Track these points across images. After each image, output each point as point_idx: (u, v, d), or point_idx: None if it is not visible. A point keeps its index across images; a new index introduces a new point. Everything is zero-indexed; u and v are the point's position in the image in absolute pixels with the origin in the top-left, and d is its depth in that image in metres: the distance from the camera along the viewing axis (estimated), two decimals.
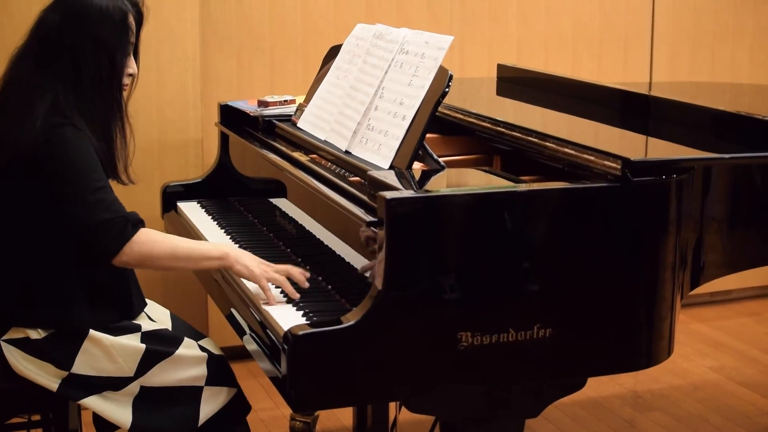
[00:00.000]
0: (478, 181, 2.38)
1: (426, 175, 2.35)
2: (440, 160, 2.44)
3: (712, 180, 2.44)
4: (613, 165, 2.23)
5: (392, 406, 2.95)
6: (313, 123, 2.85)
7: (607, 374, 2.33)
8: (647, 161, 2.27)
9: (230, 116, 3.39)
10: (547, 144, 2.48)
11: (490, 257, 2.10)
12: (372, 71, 2.64)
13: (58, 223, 2.32)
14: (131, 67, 2.47)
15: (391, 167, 2.39)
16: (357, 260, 2.37)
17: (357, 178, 2.44)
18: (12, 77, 2.43)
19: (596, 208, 2.20)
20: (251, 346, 2.33)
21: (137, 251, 2.28)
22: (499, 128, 2.69)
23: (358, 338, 2.01)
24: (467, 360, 2.08)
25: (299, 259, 2.66)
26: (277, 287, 2.38)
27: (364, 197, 2.26)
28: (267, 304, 2.32)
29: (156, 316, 2.58)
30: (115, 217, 2.27)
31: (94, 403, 2.40)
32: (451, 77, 2.39)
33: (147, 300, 2.58)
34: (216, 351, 2.56)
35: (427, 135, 2.41)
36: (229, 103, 3.43)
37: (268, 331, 2.24)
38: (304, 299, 2.34)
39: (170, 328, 2.55)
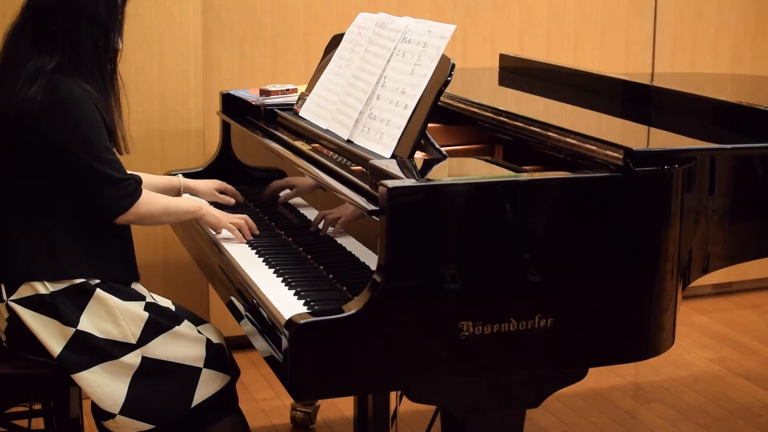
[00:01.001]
0: (479, 170, 2.38)
1: (428, 165, 2.35)
2: (442, 149, 2.43)
3: (714, 170, 2.44)
4: (615, 155, 2.22)
5: (393, 395, 2.95)
6: (315, 112, 2.84)
7: (609, 365, 2.33)
8: (649, 151, 2.27)
9: (232, 105, 3.39)
10: (549, 134, 2.47)
11: (491, 247, 2.10)
12: (374, 60, 2.63)
13: (65, 176, 2.43)
14: (119, 44, 2.55)
15: (393, 156, 2.39)
16: (358, 249, 2.37)
17: (359, 167, 2.43)
18: (9, 58, 2.50)
19: (598, 198, 2.20)
20: (248, 327, 2.34)
21: (141, 210, 2.49)
22: (501, 118, 2.69)
23: (359, 327, 2.01)
24: (468, 349, 2.08)
25: (301, 248, 2.66)
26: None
27: (366, 186, 2.26)
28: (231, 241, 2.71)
29: (158, 298, 2.61)
30: (128, 178, 2.46)
31: (91, 378, 2.42)
32: (453, 66, 2.39)
33: (150, 292, 2.62)
34: (216, 338, 2.59)
35: (429, 124, 2.40)
36: (231, 92, 3.43)
37: (263, 312, 2.25)
38: (305, 288, 2.34)
39: (173, 309, 2.59)
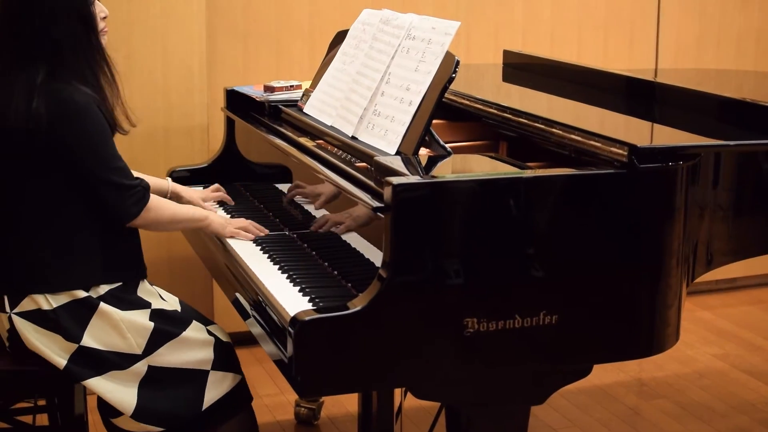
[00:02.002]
0: (484, 167, 2.38)
1: (432, 161, 2.35)
2: (447, 146, 2.43)
3: (719, 166, 2.44)
4: (620, 151, 2.22)
5: (398, 392, 2.95)
6: (320, 108, 2.84)
7: (614, 361, 2.33)
8: (654, 148, 2.27)
9: (236, 101, 3.39)
10: (554, 130, 2.47)
11: (496, 243, 2.10)
12: (378, 57, 2.63)
13: (72, 182, 2.41)
14: (102, 11, 2.52)
15: (398, 153, 2.39)
16: (363, 246, 2.37)
17: (363, 164, 2.43)
18: None
19: (602, 194, 2.20)
20: (255, 329, 2.33)
21: (150, 216, 2.50)
22: (505, 114, 2.69)
23: (364, 324, 2.02)
24: (473, 346, 2.08)
25: (305, 245, 2.66)
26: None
27: (371, 183, 2.26)
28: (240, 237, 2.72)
29: (166, 297, 2.60)
30: (137, 185, 2.47)
31: (99, 384, 2.42)
32: (457, 63, 2.39)
33: (156, 288, 2.61)
34: (224, 337, 2.58)
35: (434, 121, 2.40)
36: (236, 88, 3.43)
37: (268, 309, 2.25)
38: (310, 284, 2.34)
39: (179, 311, 2.57)
